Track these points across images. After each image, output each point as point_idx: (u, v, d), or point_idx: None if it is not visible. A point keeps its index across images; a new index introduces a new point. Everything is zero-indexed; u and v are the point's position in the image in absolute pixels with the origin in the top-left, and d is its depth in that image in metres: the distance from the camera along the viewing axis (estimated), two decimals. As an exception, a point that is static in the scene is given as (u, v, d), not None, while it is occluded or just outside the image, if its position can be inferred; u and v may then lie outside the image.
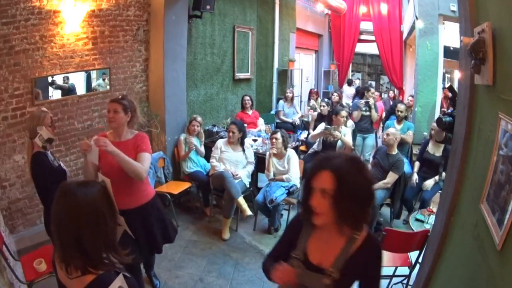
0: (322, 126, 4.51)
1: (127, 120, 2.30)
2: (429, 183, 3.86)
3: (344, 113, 4.47)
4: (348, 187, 1.10)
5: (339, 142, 4.39)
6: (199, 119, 4.34)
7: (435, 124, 4.06)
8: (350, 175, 1.11)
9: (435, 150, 4.01)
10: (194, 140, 4.25)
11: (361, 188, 1.12)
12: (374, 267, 1.21)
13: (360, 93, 5.70)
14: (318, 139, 4.59)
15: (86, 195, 1.12)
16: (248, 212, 3.65)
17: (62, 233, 1.10)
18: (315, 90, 8.57)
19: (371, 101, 5.26)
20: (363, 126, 5.29)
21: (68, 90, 3.59)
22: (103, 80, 3.91)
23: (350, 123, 5.02)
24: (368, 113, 5.23)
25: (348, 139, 4.36)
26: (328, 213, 1.13)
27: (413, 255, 2.66)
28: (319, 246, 1.24)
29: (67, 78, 3.55)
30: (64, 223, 1.09)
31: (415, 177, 4.02)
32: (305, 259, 1.24)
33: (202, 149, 4.35)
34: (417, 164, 4.16)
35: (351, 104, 8.08)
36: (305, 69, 9.58)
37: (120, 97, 2.36)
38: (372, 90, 5.51)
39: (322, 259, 1.22)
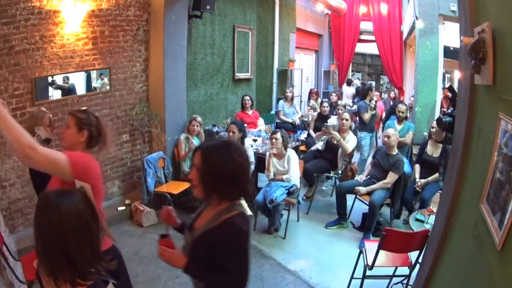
0: (333, 119, 4.59)
1: (81, 140, 1.80)
2: (422, 182, 3.91)
3: (346, 115, 4.50)
4: (210, 164, 1.33)
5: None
6: (199, 119, 4.34)
7: (435, 123, 4.06)
8: (214, 155, 1.34)
9: (433, 151, 4.01)
10: (194, 140, 4.25)
11: (222, 166, 1.32)
12: (224, 248, 1.35)
13: (361, 94, 5.74)
14: (323, 140, 4.61)
15: (69, 204, 1.07)
16: (248, 212, 3.64)
17: (48, 247, 1.05)
18: (315, 90, 8.55)
19: (375, 99, 5.41)
20: (372, 126, 5.37)
21: (68, 90, 3.59)
22: (101, 80, 3.92)
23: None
24: (374, 111, 5.31)
25: (350, 145, 4.38)
26: (199, 186, 1.35)
27: (413, 255, 2.65)
28: (203, 215, 1.49)
29: (67, 78, 3.55)
30: (50, 236, 1.05)
31: (419, 182, 3.94)
32: (193, 221, 1.51)
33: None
34: (417, 167, 4.15)
35: (351, 103, 8.08)
36: (305, 69, 9.58)
37: (81, 109, 1.92)
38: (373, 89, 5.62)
39: (198, 224, 1.47)
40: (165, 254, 1.40)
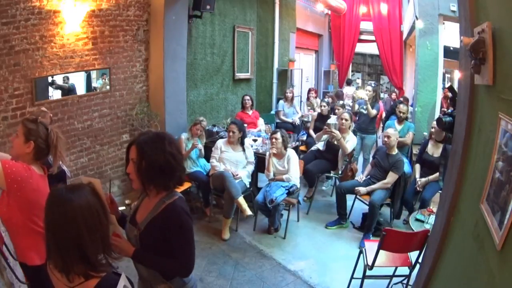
0: (333, 118, 4.57)
1: (27, 151, 1.71)
2: (423, 181, 3.89)
3: (345, 115, 4.48)
4: (146, 157, 1.38)
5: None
6: (204, 123, 4.27)
7: (435, 123, 4.06)
8: (148, 148, 1.39)
9: (434, 151, 4.00)
10: (197, 142, 4.21)
11: (156, 158, 1.39)
12: (171, 231, 1.43)
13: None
14: (323, 140, 4.62)
15: (81, 198, 1.09)
16: (248, 212, 3.65)
17: (61, 241, 1.07)
18: (314, 88, 8.20)
19: (365, 96, 5.20)
20: (361, 126, 5.29)
21: (68, 90, 3.59)
22: (102, 79, 3.92)
23: None
24: (366, 111, 5.19)
25: (349, 145, 4.38)
26: (137, 178, 1.41)
27: (413, 255, 2.66)
28: (143, 207, 1.54)
29: (67, 78, 3.55)
30: (64, 231, 1.06)
31: (420, 182, 3.93)
32: (133, 214, 1.55)
33: (202, 150, 4.34)
34: (417, 167, 4.14)
35: (350, 103, 8.01)
36: (305, 69, 9.57)
37: (34, 118, 1.82)
38: (369, 88, 5.38)
39: (140, 216, 1.52)
40: (116, 243, 1.42)
